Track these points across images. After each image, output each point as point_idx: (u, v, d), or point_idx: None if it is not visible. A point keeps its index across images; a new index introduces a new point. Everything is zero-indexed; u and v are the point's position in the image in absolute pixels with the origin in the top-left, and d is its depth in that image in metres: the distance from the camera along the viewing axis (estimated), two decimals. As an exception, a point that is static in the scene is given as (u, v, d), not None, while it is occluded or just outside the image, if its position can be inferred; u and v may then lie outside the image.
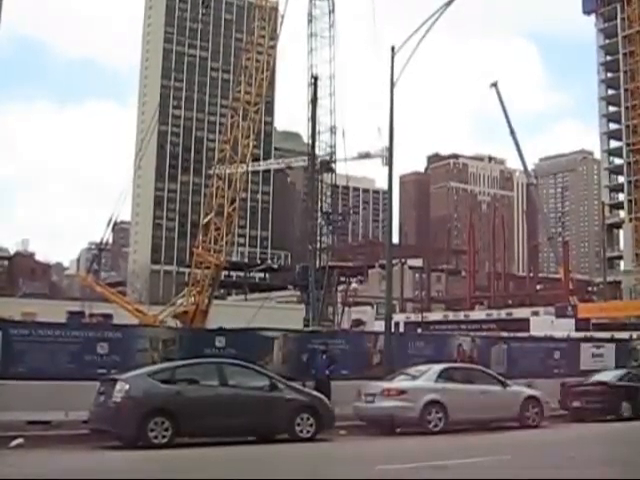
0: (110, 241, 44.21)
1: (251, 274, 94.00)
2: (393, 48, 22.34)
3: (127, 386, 14.78)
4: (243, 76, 34.83)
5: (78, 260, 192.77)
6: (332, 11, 45.71)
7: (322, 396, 17.33)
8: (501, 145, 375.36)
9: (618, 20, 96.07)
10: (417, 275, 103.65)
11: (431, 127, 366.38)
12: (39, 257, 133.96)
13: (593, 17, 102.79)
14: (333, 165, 48.48)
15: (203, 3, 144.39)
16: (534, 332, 52.75)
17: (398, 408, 17.70)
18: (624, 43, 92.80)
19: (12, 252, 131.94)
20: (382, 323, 24.91)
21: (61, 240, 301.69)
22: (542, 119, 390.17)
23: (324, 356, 20.23)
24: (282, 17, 35.52)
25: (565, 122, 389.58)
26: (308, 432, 16.12)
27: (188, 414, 14.84)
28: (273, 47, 35.49)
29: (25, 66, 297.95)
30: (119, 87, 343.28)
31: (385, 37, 35.53)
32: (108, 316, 37.71)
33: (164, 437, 14.57)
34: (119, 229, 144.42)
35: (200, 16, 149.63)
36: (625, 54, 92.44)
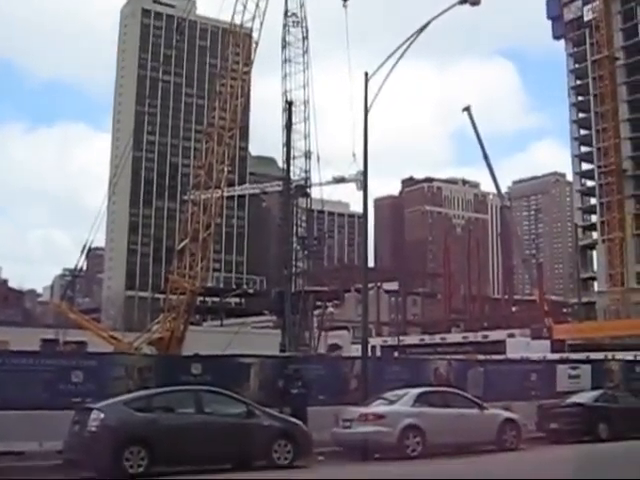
0: (84, 267, 43.95)
1: (227, 299, 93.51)
2: (367, 74, 22.41)
3: (102, 415, 14.58)
4: (217, 102, 34.88)
5: (52, 287, 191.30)
6: (306, 37, 45.98)
7: (299, 422, 17.24)
8: (477, 168, 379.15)
9: (587, 45, 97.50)
10: (393, 299, 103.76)
11: (407, 150, 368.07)
12: (12, 284, 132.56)
13: (563, 42, 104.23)
14: (308, 190, 48.53)
15: (177, 30, 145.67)
16: (510, 354, 52.96)
17: (376, 433, 17.60)
18: (593, 67, 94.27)
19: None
20: (359, 347, 24.84)
21: (35, 266, 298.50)
22: (520, 139, 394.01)
23: (299, 382, 20.12)
24: (256, 43, 35.63)
25: (542, 142, 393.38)
26: (286, 459, 16.00)
27: (164, 443, 14.67)
28: (247, 73, 35.55)
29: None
30: (93, 110, 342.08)
31: (361, 60, 35.65)
32: (82, 343, 37.44)
33: (140, 466, 14.37)
34: (93, 255, 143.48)
35: (174, 42, 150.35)
36: (595, 78, 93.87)
